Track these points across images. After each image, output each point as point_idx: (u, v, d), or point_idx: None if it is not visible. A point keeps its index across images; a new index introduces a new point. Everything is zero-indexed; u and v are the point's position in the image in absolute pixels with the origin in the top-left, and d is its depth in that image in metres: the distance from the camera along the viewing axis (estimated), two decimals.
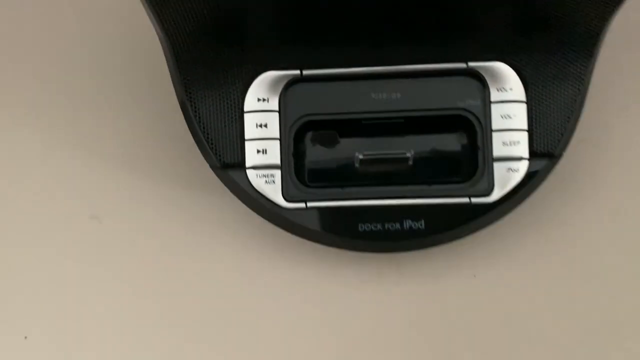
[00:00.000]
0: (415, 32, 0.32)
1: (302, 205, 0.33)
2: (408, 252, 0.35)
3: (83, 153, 0.37)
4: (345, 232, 0.33)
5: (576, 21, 0.31)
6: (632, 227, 0.35)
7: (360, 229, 0.33)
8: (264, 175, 0.33)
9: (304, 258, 0.36)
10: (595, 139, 0.36)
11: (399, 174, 0.34)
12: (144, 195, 0.37)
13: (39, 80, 0.38)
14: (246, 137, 0.33)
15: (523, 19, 0.32)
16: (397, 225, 0.33)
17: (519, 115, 0.33)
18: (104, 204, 0.37)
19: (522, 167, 0.33)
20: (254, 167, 0.33)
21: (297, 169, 0.34)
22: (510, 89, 0.33)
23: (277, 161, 0.33)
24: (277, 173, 0.33)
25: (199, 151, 0.34)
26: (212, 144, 0.33)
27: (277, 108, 0.33)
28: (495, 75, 0.33)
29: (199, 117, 0.33)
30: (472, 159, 0.33)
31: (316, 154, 0.34)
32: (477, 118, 0.33)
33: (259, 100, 0.33)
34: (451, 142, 0.34)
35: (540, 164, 0.33)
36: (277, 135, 0.33)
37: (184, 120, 0.34)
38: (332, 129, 0.34)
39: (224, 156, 0.33)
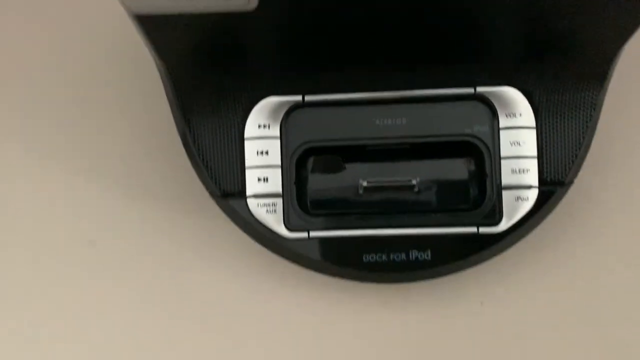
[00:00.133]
0: (421, 56, 0.31)
1: (305, 235, 0.32)
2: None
3: (82, 178, 0.36)
4: (349, 263, 0.32)
5: (589, 47, 0.30)
6: None
7: (364, 259, 0.32)
8: (265, 204, 0.32)
9: (307, 287, 0.35)
10: (606, 166, 0.35)
11: (405, 202, 0.33)
12: (143, 222, 0.36)
13: (38, 105, 0.37)
14: (247, 164, 0.32)
15: (533, 43, 0.31)
16: (403, 256, 0.32)
17: (528, 142, 0.32)
18: (102, 230, 0.36)
19: (532, 196, 0.32)
20: (255, 196, 0.32)
21: (299, 198, 0.33)
22: (520, 115, 0.32)
23: (279, 189, 0.32)
24: (279, 202, 0.32)
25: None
26: (211, 171, 0.32)
27: (278, 135, 0.32)
28: (504, 100, 0.32)
29: (198, 144, 0.32)
30: (480, 187, 0.33)
31: (319, 181, 0.33)
32: (485, 145, 0.32)
33: (259, 126, 0.32)
34: (458, 170, 0.33)
35: (550, 192, 0.32)
36: (279, 162, 0.32)
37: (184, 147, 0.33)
38: (335, 155, 0.33)
39: (224, 184, 0.32)
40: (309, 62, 0.31)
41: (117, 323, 0.35)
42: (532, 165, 0.32)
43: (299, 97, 0.32)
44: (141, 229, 0.36)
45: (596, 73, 0.31)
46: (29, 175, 0.37)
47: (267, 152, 0.32)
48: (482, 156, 0.32)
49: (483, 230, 0.32)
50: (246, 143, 0.32)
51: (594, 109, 0.32)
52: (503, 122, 0.32)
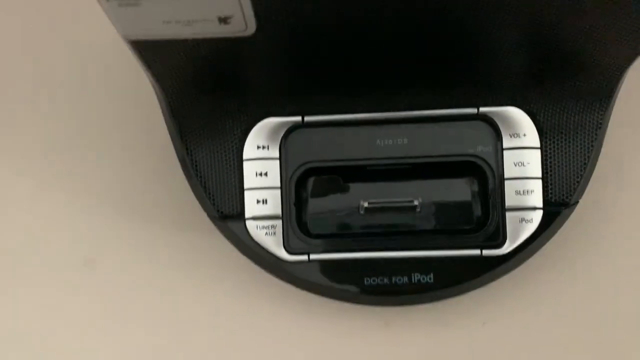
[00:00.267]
0: (423, 76, 0.31)
1: (305, 257, 0.32)
2: None
3: (80, 199, 0.36)
4: (351, 286, 0.32)
5: (594, 68, 0.29)
6: None
7: (366, 282, 0.32)
8: (265, 227, 0.32)
9: (307, 310, 0.34)
10: (611, 186, 0.34)
11: (406, 223, 0.32)
12: (142, 244, 0.35)
13: (36, 125, 0.37)
14: (245, 186, 0.32)
15: (537, 64, 0.30)
16: (405, 279, 0.31)
17: (533, 163, 0.31)
18: (100, 251, 0.35)
19: (536, 217, 0.31)
20: (254, 218, 0.32)
21: (299, 219, 0.32)
22: (524, 135, 0.31)
23: (278, 211, 0.32)
24: (278, 224, 0.32)
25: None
26: (209, 193, 0.32)
27: (277, 156, 0.32)
28: (508, 120, 0.31)
29: (196, 166, 0.32)
30: (483, 208, 0.32)
31: (319, 203, 0.33)
32: (489, 165, 0.32)
33: (258, 147, 0.32)
34: (461, 190, 0.32)
35: (555, 213, 0.31)
36: (278, 184, 0.32)
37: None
38: (335, 176, 0.32)
39: (223, 206, 0.32)
40: (308, 83, 0.31)
41: (114, 344, 0.35)
42: (537, 186, 0.31)
43: (298, 118, 0.32)
44: (139, 251, 0.35)
45: (601, 93, 0.31)
46: (27, 195, 0.36)
47: (266, 174, 0.32)
48: (486, 177, 0.32)
49: (486, 252, 0.31)
50: (245, 164, 0.32)
51: (599, 129, 0.31)
52: (507, 142, 0.31)
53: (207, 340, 0.34)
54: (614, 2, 0.26)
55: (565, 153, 0.31)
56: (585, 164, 0.31)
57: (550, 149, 0.31)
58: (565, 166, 0.31)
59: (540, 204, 0.31)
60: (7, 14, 0.38)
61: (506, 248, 0.31)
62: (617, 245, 0.34)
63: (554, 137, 0.31)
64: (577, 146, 0.31)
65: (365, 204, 0.32)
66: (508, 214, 0.31)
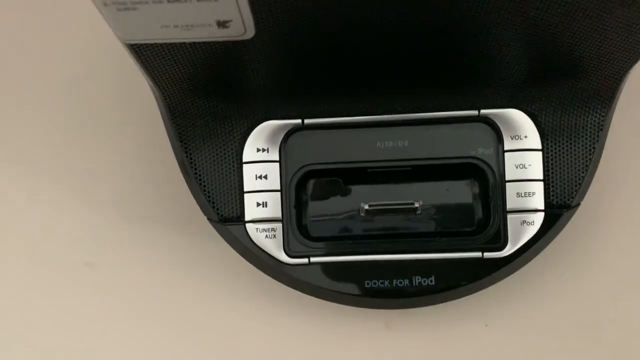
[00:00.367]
0: (423, 78, 0.30)
1: (305, 260, 0.31)
2: None
3: (80, 203, 0.36)
4: (352, 289, 0.31)
5: (596, 69, 0.29)
6: None
7: (367, 285, 0.31)
8: (265, 230, 0.32)
9: (308, 313, 0.34)
10: (613, 188, 0.34)
11: (407, 226, 0.32)
12: (142, 246, 0.35)
13: (35, 127, 0.37)
14: (245, 189, 0.31)
15: (539, 65, 0.30)
16: (406, 282, 0.31)
17: (534, 165, 0.31)
18: (99, 254, 0.35)
19: (537, 220, 0.31)
20: (254, 221, 0.31)
21: (299, 222, 0.32)
22: (526, 137, 0.31)
23: (278, 214, 0.32)
24: (279, 227, 0.32)
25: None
26: (209, 196, 0.32)
27: (277, 158, 0.32)
28: (509, 122, 0.31)
29: (196, 169, 0.31)
30: (484, 210, 0.32)
31: (319, 205, 0.32)
32: (490, 167, 0.31)
33: (258, 150, 0.31)
34: (462, 193, 0.32)
35: (557, 215, 0.31)
36: (278, 186, 0.32)
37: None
38: (335, 178, 0.32)
39: (222, 209, 0.32)
40: (308, 85, 0.30)
41: (114, 347, 0.34)
42: (538, 188, 0.31)
43: (298, 121, 0.31)
44: (139, 255, 0.35)
45: (603, 94, 0.30)
46: (27, 197, 0.36)
47: (266, 176, 0.32)
48: (487, 179, 0.31)
49: (488, 255, 0.31)
50: (244, 167, 0.31)
51: (601, 130, 0.31)
52: (508, 144, 0.31)
53: (207, 343, 0.34)
54: (615, 3, 0.26)
55: (567, 155, 0.31)
56: (586, 165, 0.31)
57: (551, 150, 0.31)
58: (567, 168, 0.31)
59: (542, 206, 0.31)
60: (6, 16, 0.38)
61: (507, 250, 0.31)
62: (619, 247, 0.34)
63: (555, 139, 0.31)
64: (578, 148, 0.31)
65: (366, 207, 0.32)
66: (509, 216, 0.31)
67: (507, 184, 0.31)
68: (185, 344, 0.34)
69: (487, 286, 0.32)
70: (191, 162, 0.31)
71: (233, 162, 0.32)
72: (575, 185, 0.31)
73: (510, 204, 0.31)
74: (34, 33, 0.38)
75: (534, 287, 0.34)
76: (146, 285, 0.35)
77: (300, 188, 0.32)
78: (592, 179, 0.31)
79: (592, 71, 0.29)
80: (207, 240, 0.34)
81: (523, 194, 0.31)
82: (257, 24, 0.25)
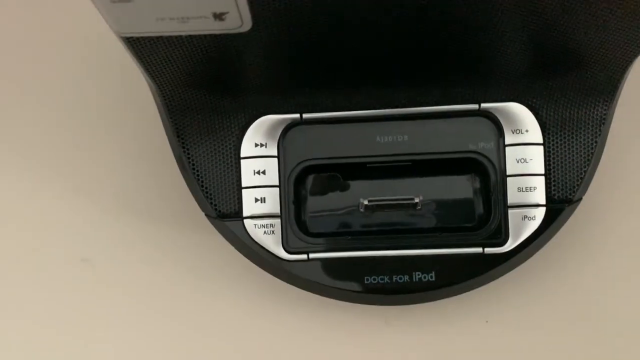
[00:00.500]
0: (423, 72, 0.30)
1: (304, 256, 0.31)
2: None
3: (77, 199, 0.35)
4: (351, 285, 0.31)
5: (598, 62, 0.29)
6: None
7: (366, 281, 0.31)
8: (263, 225, 0.31)
9: (307, 309, 0.34)
10: (615, 182, 0.34)
11: (407, 221, 0.32)
12: (139, 242, 0.35)
13: (32, 124, 0.36)
14: (243, 184, 0.31)
15: (540, 58, 0.29)
16: (406, 278, 0.31)
17: (535, 159, 0.31)
18: (96, 249, 0.35)
19: (539, 215, 0.31)
20: (252, 217, 0.31)
21: (297, 218, 0.32)
22: (527, 131, 0.31)
23: (277, 210, 0.31)
24: (277, 223, 0.31)
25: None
26: (207, 192, 0.31)
27: (275, 153, 0.31)
28: (510, 116, 0.31)
29: (193, 164, 0.31)
30: (485, 205, 0.31)
31: (318, 201, 0.32)
32: (491, 162, 0.31)
33: (256, 145, 0.31)
34: (462, 188, 0.32)
35: (558, 210, 0.31)
36: (277, 182, 0.31)
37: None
38: (334, 174, 0.32)
39: (220, 205, 0.31)
40: (306, 79, 0.30)
41: (111, 343, 0.34)
42: (539, 183, 0.31)
43: (296, 115, 0.31)
44: (136, 250, 0.35)
45: (605, 87, 0.30)
46: (23, 193, 0.36)
47: (264, 172, 0.31)
48: (488, 174, 0.31)
49: (488, 250, 0.31)
50: (242, 163, 0.31)
51: (603, 124, 0.31)
52: (509, 138, 0.31)
53: (205, 340, 0.34)
54: None
55: (569, 149, 0.31)
56: (588, 160, 0.31)
57: (553, 145, 0.31)
58: (569, 162, 0.31)
59: (543, 201, 0.31)
60: (3, 14, 0.38)
61: (508, 246, 0.31)
62: (621, 242, 0.34)
63: (556, 133, 0.31)
64: (580, 142, 0.31)
65: (366, 202, 0.31)
66: (510, 211, 0.31)
67: (508, 178, 0.31)
68: (183, 340, 0.34)
69: (488, 282, 0.32)
70: (188, 158, 0.31)
71: (231, 157, 0.31)
72: (577, 180, 0.31)
73: (511, 198, 0.31)
74: (29, 27, 0.37)
75: (535, 283, 0.33)
76: (143, 281, 0.35)
77: (299, 183, 0.32)
78: (594, 173, 0.31)
79: (594, 63, 0.29)
80: (205, 237, 0.34)
81: (524, 189, 0.31)
82: (254, 16, 0.24)
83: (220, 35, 0.25)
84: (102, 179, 0.36)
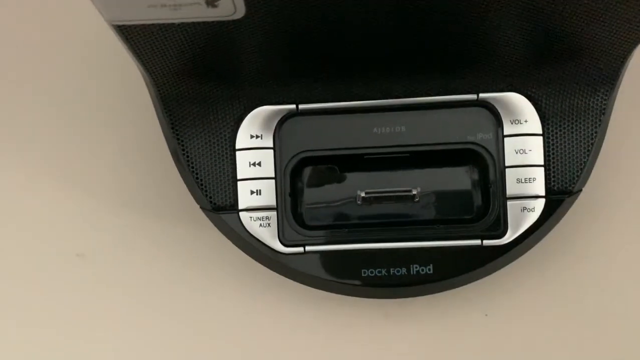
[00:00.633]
0: (421, 62, 0.30)
1: (301, 249, 0.31)
2: None
3: (72, 191, 0.35)
4: (348, 279, 0.31)
5: (598, 50, 0.28)
6: None
7: (363, 274, 0.31)
8: (259, 218, 0.31)
9: (304, 303, 0.33)
10: (616, 173, 0.33)
11: (405, 213, 0.31)
12: (134, 236, 0.35)
13: (26, 117, 0.36)
14: (239, 177, 0.31)
15: (539, 47, 0.29)
16: (404, 271, 0.31)
17: (534, 150, 0.30)
18: (91, 244, 0.35)
19: (538, 206, 0.30)
20: (248, 210, 0.31)
21: (294, 210, 0.31)
22: (526, 122, 0.30)
23: (273, 202, 0.31)
24: (273, 215, 0.31)
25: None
26: (202, 185, 0.31)
27: (271, 145, 0.31)
28: (508, 106, 0.30)
29: (188, 156, 0.31)
30: (484, 197, 0.31)
31: (314, 193, 0.32)
32: (489, 153, 0.31)
33: (252, 137, 0.31)
34: (461, 179, 0.31)
35: (558, 202, 0.30)
36: (272, 174, 0.31)
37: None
38: (331, 165, 0.32)
39: (215, 198, 0.31)
40: (302, 69, 0.30)
41: (106, 338, 0.34)
42: (539, 174, 0.30)
43: (292, 106, 0.31)
44: (131, 244, 0.34)
45: (606, 76, 0.30)
46: (18, 188, 0.36)
47: (259, 164, 0.31)
48: (486, 165, 0.31)
49: (487, 242, 0.30)
50: (238, 155, 0.31)
51: (603, 114, 0.30)
52: (508, 129, 0.30)
53: (201, 333, 0.34)
54: None
55: (568, 139, 0.30)
56: (588, 150, 0.30)
57: (552, 135, 0.30)
58: (568, 153, 0.30)
59: (543, 192, 0.30)
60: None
61: (507, 238, 0.30)
62: (621, 234, 0.33)
63: (556, 123, 0.30)
64: (580, 132, 0.30)
65: (363, 194, 0.31)
66: (509, 203, 0.30)
67: (506, 169, 0.30)
68: (179, 334, 0.34)
69: (487, 275, 0.31)
70: (183, 150, 0.31)
71: (226, 149, 0.31)
72: (577, 171, 0.30)
73: (510, 190, 0.30)
74: (22, 19, 0.37)
75: (534, 275, 0.33)
76: (138, 275, 0.34)
77: (295, 175, 0.31)
78: (594, 164, 0.31)
79: (594, 52, 0.28)
80: (200, 230, 0.33)
81: (523, 180, 0.30)
82: (247, 3, 0.24)
83: (213, 22, 0.25)
84: (97, 173, 0.35)
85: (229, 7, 0.24)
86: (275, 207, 0.31)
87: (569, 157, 0.30)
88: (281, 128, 0.31)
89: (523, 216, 0.30)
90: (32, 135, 0.36)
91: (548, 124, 0.30)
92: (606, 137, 0.30)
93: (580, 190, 0.31)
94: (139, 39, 0.26)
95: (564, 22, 0.27)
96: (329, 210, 0.32)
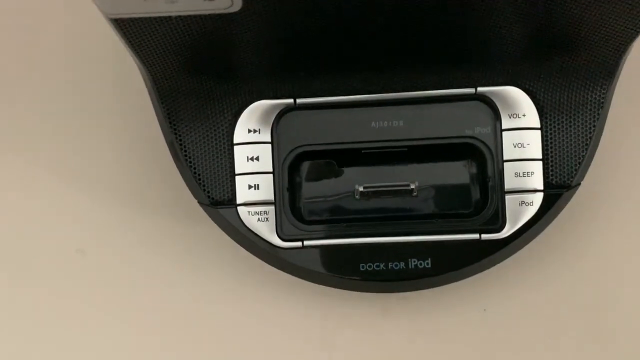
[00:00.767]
0: (419, 56, 0.30)
1: (299, 244, 0.31)
2: None
3: (68, 187, 0.35)
4: (346, 273, 0.31)
5: (596, 43, 0.28)
6: None
7: (362, 268, 0.31)
8: (257, 213, 0.31)
9: (302, 297, 0.33)
10: (614, 167, 0.33)
11: (403, 208, 0.31)
12: (132, 231, 0.35)
13: (25, 113, 0.36)
14: (236, 171, 0.31)
15: (537, 40, 0.29)
16: (402, 265, 0.31)
17: (533, 144, 0.30)
18: (91, 239, 0.35)
19: (536, 200, 0.30)
20: (246, 204, 0.31)
21: (292, 205, 0.31)
22: (524, 116, 0.30)
23: (271, 197, 0.31)
24: (271, 210, 0.31)
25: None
26: (199, 179, 0.31)
27: (269, 139, 0.31)
28: (507, 100, 0.30)
29: (185, 151, 0.31)
30: (482, 191, 0.31)
31: (313, 187, 0.32)
32: (487, 147, 0.31)
33: (249, 131, 0.31)
34: (459, 173, 0.31)
35: (556, 196, 0.30)
36: (270, 168, 0.31)
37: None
38: (329, 160, 0.32)
39: (213, 192, 0.31)
40: (300, 63, 0.30)
41: (105, 334, 0.34)
42: (537, 168, 0.30)
43: (290, 100, 0.31)
44: (129, 239, 0.34)
45: (604, 69, 0.29)
46: (16, 184, 0.36)
47: (257, 158, 0.31)
48: (484, 159, 0.31)
49: (485, 236, 0.30)
50: (235, 149, 0.31)
51: (602, 108, 0.30)
52: (506, 123, 0.30)
53: (199, 328, 0.34)
54: None
55: (567, 133, 0.30)
56: (587, 144, 0.30)
57: (550, 129, 0.30)
58: (567, 147, 0.30)
59: (541, 186, 0.30)
60: None
61: (506, 232, 0.30)
62: (619, 228, 0.33)
63: (554, 117, 0.30)
64: (578, 126, 0.30)
65: (361, 189, 0.31)
66: (507, 197, 0.30)
67: (505, 163, 0.30)
68: (177, 329, 0.34)
69: (485, 269, 0.31)
70: (181, 144, 0.31)
71: (224, 143, 0.31)
72: (575, 165, 0.30)
73: (509, 184, 0.30)
74: (19, 14, 0.37)
75: (533, 270, 0.33)
76: (137, 270, 0.34)
77: (293, 170, 0.31)
78: (592, 158, 0.30)
79: (592, 45, 0.28)
80: (198, 224, 0.33)
81: (521, 174, 0.30)
82: None
83: (209, 15, 0.25)
84: (95, 168, 0.35)
85: (225, 0, 0.24)
86: (274, 201, 0.31)
87: (567, 151, 0.30)
88: (279, 122, 0.31)
89: (521, 210, 0.30)
90: (30, 131, 0.36)
91: (546, 118, 0.30)
92: (604, 131, 0.30)
93: (579, 184, 0.31)
94: (136, 32, 0.26)
95: (562, 15, 0.27)
96: (327, 205, 0.32)
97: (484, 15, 0.27)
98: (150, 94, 0.31)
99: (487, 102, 0.30)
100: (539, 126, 0.30)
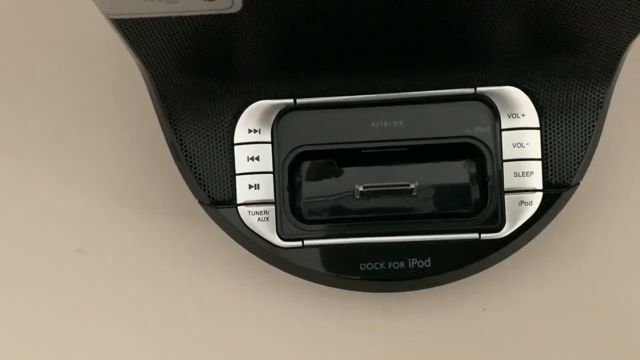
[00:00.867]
0: (418, 56, 0.30)
1: (299, 243, 0.31)
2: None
3: (70, 186, 0.35)
4: (346, 272, 0.31)
5: (595, 43, 0.28)
6: None
7: (362, 268, 0.31)
8: (257, 212, 0.31)
9: (302, 297, 0.33)
10: (613, 167, 0.33)
11: (403, 207, 0.32)
12: (133, 231, 0.35)
13: (25, 112, 0.36)
14: (237, 171, 0.31)
15: (536, 40, 0.29)
16: (402, 264, 0.31)
17: (532, 144, 0.30)
18: (91, 239, 0.35)
19: (536, 200, 0.30)
20: (246, 204, 0.31)
21: (292, 205, 0.31)
22: (523, 115, 0.30)
23: (271, 197, 0.31)
24: (271, 209, 0.31)
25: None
26: (200, 179, 0.31)
27: (269, 139, 0.31)
28: (506, 100, 0.30)
29: (186, 151, 0.31)
30: (481, 191, 0.31)
31: (313, 187, 0.32)
32: (487, 147, 0.31)
33: (249, 131, 0.31)
34: (458, 173, 0.32)
35: (555, 195, 0.30)
36: (270, 168, 0.31)
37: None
38: (329, 160, 0.32)
39: (214, 192, 0.31)
40: (300, 63, 0.30)
41: (105, 334, 0.34)
42: (536, 168, 0.30)
43: (290, 100, 0.31)
44: (129, 239, 0.35)
45: (603, 69, 0.30)
46: (16, 184, 0.36)
47: (258, 158, 0.31)
48: (484, 159, 0.31)
49: (485, 236, 0.30)
50: (236, 149, 0.31)
51: (601, 108, 0.30)
52: (505, 123, 0.30)
53: (199, 328, 0.34)
54: None
55: (566, 133, 0.30)
56: (586, 144, 0.30)
57: (549, 129, 0.30)
58: (566, 147, 0.30)
59: (540, 186, 0.30)
60: None
61: (505, 231, 0.30)
62: (619, 227, 0.33)
63: (553, 117, 0.30)
64: (577, 126, 0.30)
65: (361, 188, 0.31)
66: (507, 197, 0.30)
67: (504, 163, 0.30)
68: (177, 329, 0.34)
69: (485, 268, 0.31)
70: (181, 144, 0.31)
71: (224, 143, 0.31)
72: (574, 164, 0.30)
73: (508, 183, 0.30)
74: (19, 14, 0.37)
75: (532, 269, 0.33)
76: (137, 270, 0.34)
77: (294, 170, 0.31)
78: (591, 157, 0.31)
79: (591, 45, 0.29)
80: (199, 224, 0.33)
81: (521, 174, 0.30)
82: None
83: (210, 16, 0.25)
84: (95, 168, 0.35)
85: (225, 0, 0.24)
86: (274, 201, 0.31)
87: (567, 151, 0.30)
88: (279, 122, 0.31)
89: (521, 210, 0.30)
90: (29, 130, 0.36)
91: (545, 118, 0.30)
92: (603, 131, 0.31)
93: (578, 183, 0.31)
94: (137, 33, 0.26)
95: (561, 15, 0.27)
96: (327, 205, 0.32)
97: (483, 15, 0.27)
98: (150, 94, 0.31)
99: (487, 102, 0.31)
100: (538, 126, 0.30)
